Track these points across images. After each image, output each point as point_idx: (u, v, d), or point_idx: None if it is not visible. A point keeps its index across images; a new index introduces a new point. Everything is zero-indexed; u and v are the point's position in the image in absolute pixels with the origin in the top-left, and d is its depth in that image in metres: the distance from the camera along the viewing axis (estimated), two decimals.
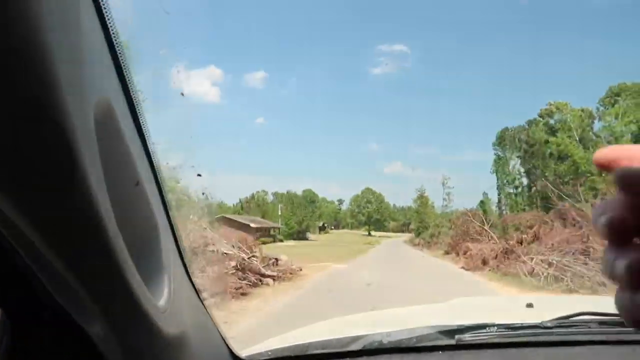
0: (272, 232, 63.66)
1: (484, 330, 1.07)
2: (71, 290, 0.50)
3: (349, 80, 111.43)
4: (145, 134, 0.64)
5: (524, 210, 66.29)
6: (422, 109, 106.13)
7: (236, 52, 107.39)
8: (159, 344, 0.65)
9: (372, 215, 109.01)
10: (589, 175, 41.83)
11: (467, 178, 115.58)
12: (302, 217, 76.92)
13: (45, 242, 0.43)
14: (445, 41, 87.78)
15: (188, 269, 0.81)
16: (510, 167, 71.65)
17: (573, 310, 1.14)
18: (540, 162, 52.20)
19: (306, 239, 77.01)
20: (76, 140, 0.37)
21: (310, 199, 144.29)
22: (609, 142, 40.97)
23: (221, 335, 0.95)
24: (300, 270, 16.63)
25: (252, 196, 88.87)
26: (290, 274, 15.50)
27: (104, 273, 0.51)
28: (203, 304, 0.88)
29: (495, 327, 1.08)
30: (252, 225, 51.07)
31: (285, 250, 38.66)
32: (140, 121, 0.62)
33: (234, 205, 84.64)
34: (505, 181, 75.07)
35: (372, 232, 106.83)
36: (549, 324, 1.09)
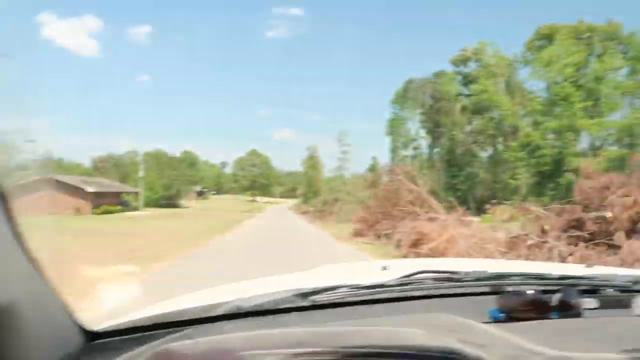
0: (126, 198, 51.27)
1: (335, 291, 1.16)
2: None
3: (241, 42, 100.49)
4: None
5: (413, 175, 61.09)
6: (314, 76, 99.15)
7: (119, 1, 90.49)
8: None
9: (257, 180, 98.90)
10: (513, 129, 36.00)
11: (359, 146, 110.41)
12: (172, 181, 64.74)
13: None
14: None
15: (19, 234, 0.77)
16: (409, 127, 65.66)
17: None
18: (448, 119, 45.74)
19: (177, 206, 66.74)
20: None
21: (190, 161, 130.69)
22: (541, 91, 35.25)
23: (65, 308, 0.92)
24: None
25: (111, 155, 73.71)
26: None
27: None
28: (40, 272, 0.84)
29: (346, 288, 1.17)
30: (89, 188, 38.43)
31: (130, 223, 27.55)
32: None
33: (80, 164, 69.48)
34: (399, 143, 69.35)
35: (257, 198, 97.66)
36: (391, 283, 1.21)
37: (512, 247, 8.92)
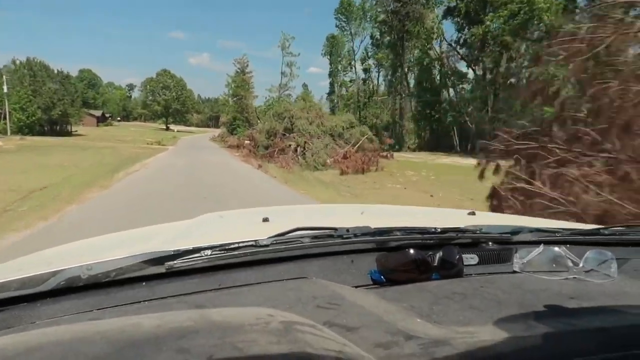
0: None
1: (197, 255, 1.01)
2: None
3: None
4: None
5: (364, 103, 50.98)
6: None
7: None
8: None
9: (170, 105, 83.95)
10: (544, 33, 26.44)
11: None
12: (55, 100, 49.96)
13: None
14: None
15: None
16: (355, 46, 54.28)
17: (302, 222, 1.20)
18: (421, 29, 35.14)
19: (68, 133, 53.10)
20: None
21: (89, 81, 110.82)
22: None
23: None
24: None
25: None
26: None
27: None
28: None
29: (210, 251, 1.03)
30: None
31: None
32: None
33: None
34: (340, 66, 58.31)
35: (171, 126, 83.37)
36: (264, 242, 1.08)
37: None
